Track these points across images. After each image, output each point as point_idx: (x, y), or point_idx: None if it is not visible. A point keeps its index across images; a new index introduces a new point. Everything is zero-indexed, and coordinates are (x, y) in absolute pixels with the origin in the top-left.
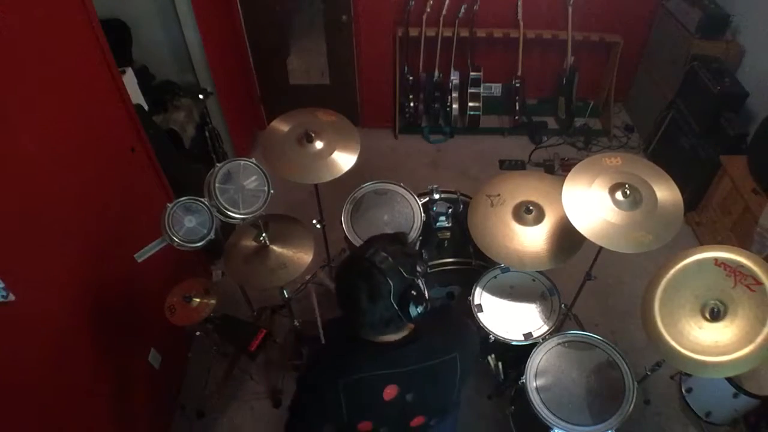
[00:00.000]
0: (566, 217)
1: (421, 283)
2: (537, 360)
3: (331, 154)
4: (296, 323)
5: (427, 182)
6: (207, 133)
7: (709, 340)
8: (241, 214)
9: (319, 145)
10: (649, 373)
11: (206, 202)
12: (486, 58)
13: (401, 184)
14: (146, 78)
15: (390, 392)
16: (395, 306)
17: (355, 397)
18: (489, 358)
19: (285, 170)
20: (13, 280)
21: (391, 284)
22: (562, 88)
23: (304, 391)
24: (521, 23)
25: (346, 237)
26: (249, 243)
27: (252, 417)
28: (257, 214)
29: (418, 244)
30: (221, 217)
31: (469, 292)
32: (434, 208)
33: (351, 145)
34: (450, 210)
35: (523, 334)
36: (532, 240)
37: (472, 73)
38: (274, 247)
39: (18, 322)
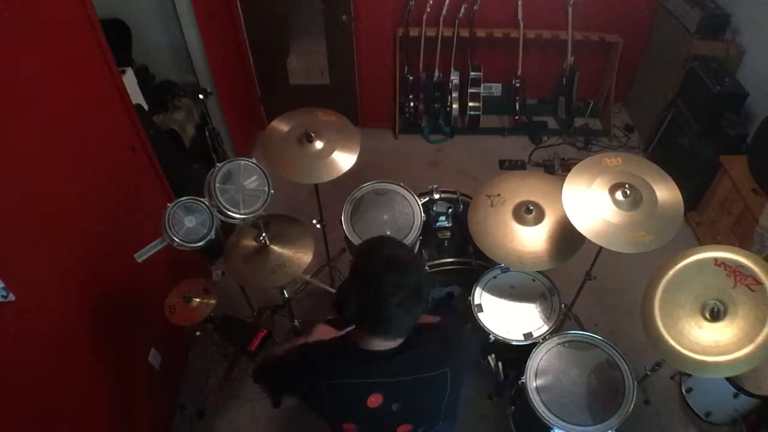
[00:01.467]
0: (566, 217)
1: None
2: (537, 360)
3: (331, 154)
4: (296, 323)
5: (427, 182)
6: (207, 133)
7: (709, 340)
8: (241, 214)
9: (319, 145)
10: (649, 373)
11: (206, 202)
12: (486, 58)
13: (401, 184)
14: (146, 78)
15: (374, 400)
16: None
17: (339, 400)
18: (489, 358)
19: (285, 170)
20: (13, 280)
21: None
22: (562, 88)
23: (283, 377)
24: (521, 23)
25: (346, 237)
26: (249, 243)
27: (252, 417)
28: (257, 214)
29: (418, 244)
30: (221, 217)
31: (469, 292)
32: (434, 208)
33: (351, 145)
34: (450, 210)
35: (523, 334)
36: (532, 240)
37: (472, 73)
38: (274, 247)
39: (18, 322)
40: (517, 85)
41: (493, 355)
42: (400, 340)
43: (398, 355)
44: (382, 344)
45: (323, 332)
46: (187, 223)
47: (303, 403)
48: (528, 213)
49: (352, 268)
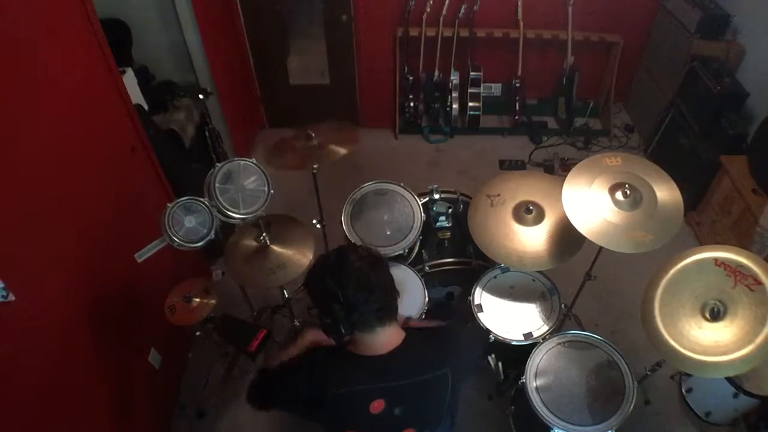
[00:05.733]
0: (566, 217)
1: None
2: (537, 360)
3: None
4: (296, 323)
5: (427, 182)
6: (207, 133)
7: (709, 340)
8: (241, 214)
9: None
10: (649, 373)
11: (206, 202)
12: (486, 58)
13: (401, 184)
14: (146, 78)
15: (377, 406)
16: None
17: (341, 409)
18: (489, 358)
19: (285, 168)
20: (13, 280)
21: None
22: (562, 88)
23: (282, 388)
24: (521, 23)
25: (346, 237)
26: (249, 243)
27: (252, 417)
28: (257, 214)
29: (418, 244)
30: (221, 217)
31: (469, 292)
32: (434, 208)
33: (349, 138)
34: (450, 210)
35: (523, 334)
36: (532, 240)
37: (472, 73)
38: (274, 247)
39: (18, 322)
40: (517, 85)
41: (493, 355)
42: (394, 328)
43: (397, 358)
44: (381, 342)
45: (315, 334)
46: (187, 223)
47: (300, 418)
48: (528, 213)
49: (316, 295)
